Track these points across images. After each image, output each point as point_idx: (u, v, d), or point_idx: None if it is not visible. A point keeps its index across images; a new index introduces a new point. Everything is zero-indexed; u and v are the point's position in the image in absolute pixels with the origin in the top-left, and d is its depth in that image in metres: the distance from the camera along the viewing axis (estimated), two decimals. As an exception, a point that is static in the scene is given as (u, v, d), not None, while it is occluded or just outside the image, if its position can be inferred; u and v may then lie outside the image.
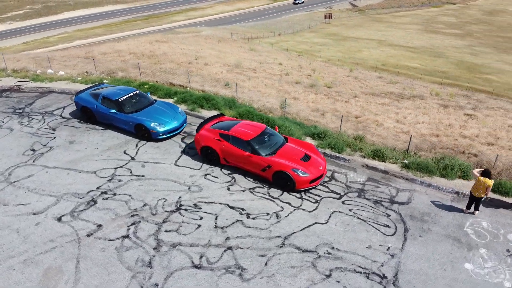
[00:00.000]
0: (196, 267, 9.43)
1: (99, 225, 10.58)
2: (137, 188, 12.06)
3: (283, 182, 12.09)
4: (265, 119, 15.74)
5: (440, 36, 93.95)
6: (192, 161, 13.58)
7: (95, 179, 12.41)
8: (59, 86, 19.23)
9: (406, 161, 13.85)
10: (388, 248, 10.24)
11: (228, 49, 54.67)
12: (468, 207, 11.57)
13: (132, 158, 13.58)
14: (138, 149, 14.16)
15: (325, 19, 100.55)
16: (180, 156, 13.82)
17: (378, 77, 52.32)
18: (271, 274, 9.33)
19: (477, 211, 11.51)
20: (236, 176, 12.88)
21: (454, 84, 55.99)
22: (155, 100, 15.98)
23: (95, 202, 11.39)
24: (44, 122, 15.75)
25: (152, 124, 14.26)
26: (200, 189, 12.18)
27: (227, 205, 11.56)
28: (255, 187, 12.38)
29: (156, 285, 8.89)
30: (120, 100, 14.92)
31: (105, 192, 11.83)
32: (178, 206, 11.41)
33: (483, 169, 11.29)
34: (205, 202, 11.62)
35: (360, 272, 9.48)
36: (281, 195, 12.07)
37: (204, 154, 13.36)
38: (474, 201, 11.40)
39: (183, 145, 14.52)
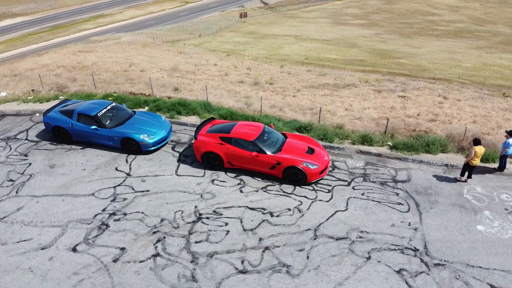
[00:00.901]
0: (242, 272, 9.21)
1: (122, 248, 9.78)
2: (147, 204, 11.34)
3: (294, 176, 12.25)
4: (250, 118, 15.73)
5: (349, 28, 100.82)
6: (193, 168, 13.11)
7: (96, 201, 11.40)
8: (11, 108, 17.13)
9: (390, 143, 14.87)
10: (409, 223, 10.96)
11: (157, 54, 53.11)
12: (462, 174, 12.80)
13: (128, 174, 12.70)
14: (130, 164, 13.27)
15: (241, 18, 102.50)
16: (178, 166, 13.25)
17: (308, 70, 54.53)
18: (317, 266, 9.45)
19: (469, 179, 12.79)
20: (244, 177, 12.73)
21: (375, 71, 60.50)
22: (134, 111, 15.10)
23: (107, 226, 10.49)
24: (11, 149, 13.96)
25: (141, 136, 13.46)
26: (213, 195, 11.83)
27: (247, 207, 11.40)
28: (267, 186, 12.37)
29: (211, 297, 8.53)
30: (98, 115, 13.84)
31: (114, 213, 10.93)
32: (198, 215, 10.97)
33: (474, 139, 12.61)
34: (223, 208, 11.33)
35: (395, 249, 10.03)
36: (294, 190, 12.21)
37: (205, 160, 12.98)
38: (469, 169, 12.66)
39: (176, 154, 13.93)
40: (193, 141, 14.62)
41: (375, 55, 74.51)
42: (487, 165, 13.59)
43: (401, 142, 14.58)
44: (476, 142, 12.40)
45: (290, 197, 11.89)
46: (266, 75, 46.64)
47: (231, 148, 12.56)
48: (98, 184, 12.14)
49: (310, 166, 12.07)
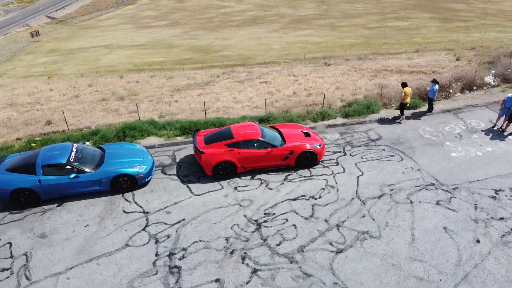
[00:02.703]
0: (339, 251, 9.61)
1: (217, 280, 8.84)
2: (197, 232, 10.26)
3: (307, 160, 12.92)
4: (218, 123, 15.40)
5: (156, 30, 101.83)
6: (205, 185, 12.27)
7: (139, 250, 9.68)
8: None
9: (339, 114, 16.93)
10: (411, 167, 13.13)
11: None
12: (402, 114, 15.93)
13: (145, 212, 11.05)
14: (136, 202, 11.50)
15: (33, 38, 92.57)
16: (187, 187, 12.17)
17: (151, 76, 53.14)
18: (385, 223, 10.58)
19: (403, 115, 15.98)
20: (259, 176, 12.68)
21: (211, 66, 63.08)
22: (101, 147, 12.91)
23: (178, 267, 9.16)
24: (-39, 237, 10.15)
25: (135, 169, 11.77)
26: (250, 201, 11.50)
27: (288, 199, 11.58)
28: (286, 176, 12.68)
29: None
30: (71, 160, 11.40)
31: (172, 253, 9.58)
32: (255, 223, 10.61)
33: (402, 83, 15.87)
34: (270, 208, 11.21)
35: (421, 189, 12.00)
36: (311, 172, 12.91)
37: (215, 171, 12.34)
38: (401, 107, 15.85)
39: (174, 177, 12.69)
40: (174, 162, 13.55)
41: (197, 51, 77.40)
42: (419, 109, 17.05)
43: (350, 110, 16.79)
44: (404, 85, 15.58)
45: (313, 179, 12.56)
46: (119, 88, 43.72)
47: (243, 151, 12.32)
48: (122, 234, 10.25)
49: (317, 147, 12.98)
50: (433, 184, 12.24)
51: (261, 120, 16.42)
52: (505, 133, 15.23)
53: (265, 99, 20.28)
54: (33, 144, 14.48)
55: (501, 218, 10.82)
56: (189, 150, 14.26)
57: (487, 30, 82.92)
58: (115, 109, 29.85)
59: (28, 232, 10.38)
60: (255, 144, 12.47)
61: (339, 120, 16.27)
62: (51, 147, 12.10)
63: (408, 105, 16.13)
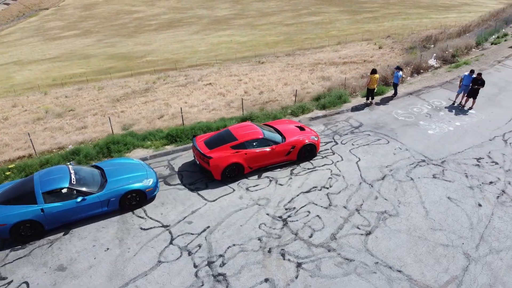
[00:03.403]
0: (368, 233, 10.12)
1: (266, 280, 8.80)
2: (227, 237, 10.07)
3: (307, 153, 13.27)
4: (205, 128, 15.08)
5: (67, 40, 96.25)
6: (216, 190, 12.02)
7: (174, 265, 9.23)
8: None
9: (315, 108, 17.56)
10: (400, 148, 14.13)
11: None
12: (367, 98, 17.17)
13: (165, 226, 10.53)
14: (151, 217, 10.90)
15: None
16: (199, 194, 11.83)
17: (79, 89, 49.98)
18: (398, 202, 11.34)
19: (373, 100, 17.14)
20: (266, 174, 12.75)
21: (139, 73, 60.70)
22: (96, 165, 11.99)
23: (223, 274, 8.92)
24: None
25: (143, 183, 11.17)
26: (266, 199, 11.54)
27: (302, 192, 11.83)
28: (291, 171, 12.90)
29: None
30: (74, 182, 10.48)
31: (212, 262, 9.30)
32: (280, 219, 10.71)
33: (372, 69, 17.03)
34: (288, 203, 11.37)
35: (416, 166, 13.00)
36: (312, 165, 13.27)
37: (223, 175, 12.16)
38: (370, 93, 16.91)
39: (181, 186, 12.22)
40: (174, 171, 13.09)
41: (119, 59, 74.37)
42: (386, 95, 18.28)
43: (325, 102, 17.50)
44: (373, 71, 16.69)
45: (317, 170, 12.95)
46: (50, 105, 40.54)
47: (249, 151, 12.30)
48: (149, 251, 9.70)
49: (315, 139, 13.40)
50: (423, 161, 13.33)
51: (244, 120, 16.45)
52: (465, 108, 17.03)
53: (242, 99, 20.54)
54: (7, 173, 12.99)
55: (491, 182, 12.15)
56: (184, 158, 13.84)
57: (394, 19, 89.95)
58: (59, 127, 27.74)
59: (43, 267, 9.39)
60: (259, 143, 12.53)
61: (320, 112, 16.89)
62: (45, 172, 11.01)
63: (375, 90, 17.28)
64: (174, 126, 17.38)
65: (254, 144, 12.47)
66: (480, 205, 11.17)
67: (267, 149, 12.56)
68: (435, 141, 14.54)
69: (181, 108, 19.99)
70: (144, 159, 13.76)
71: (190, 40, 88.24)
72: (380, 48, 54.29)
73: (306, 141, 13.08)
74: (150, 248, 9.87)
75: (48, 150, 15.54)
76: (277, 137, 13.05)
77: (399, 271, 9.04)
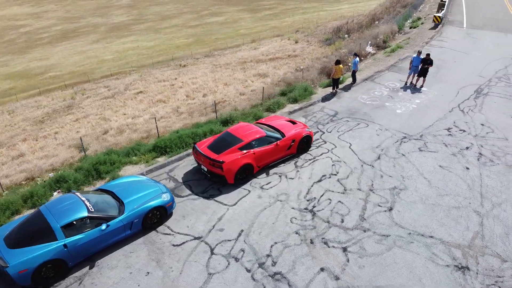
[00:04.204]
0: (390, 209, 10.93)
1: (321, 269, 9.07)
2: (265, 236, 10.05)
3: (305, 145, 13.70)
4: (185, 136, 14.65)
5: None
6: (232, 193, 11.83)
7: (227, 274, 8.95)
8: None
9: (287, 102, 18.08)
10: (380, 129, 15.29)
11: None
12: (333, 88, 18.26)
13: (198, 238, 10.13)
14: (178, 232, 10.35)
15: None
16: (216, 201, 11.53)
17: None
18: (402, 176, 12.37)
19: (337, 89, 18.28)
20: (273, 171, 12.90)
21: (47, 90, 55.76)
22: (101, 189, 10.97)
23: (280, 273, 8.99)
24: None
25: (162, 198, 10.58)
26: (285, 194, 11.71)
27: (314, 183, 12.25)
28: (295, 164, 13.23)
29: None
30: (92, 209, 9.53)
31: (262, 263, 9.25)
32: (308, 210, 10.99)
33: (336, 60, 18.06)
34: (307, 194, 11.70)
35: (403, 142, 14.21)
36: (311, 155, 13.73)
37: (236, 178, 12.02)
38: (335, 82, 18.12)
39: (194, 196, 11.77)
40: (179, 182, 12.58)
41: (17, 79, 67.72)
42: (346, 84, 19.47)
43: (296, 95, 18.09)
44: (337, 62, 17.79)
45: (318, 159, 13.46)
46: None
47: (256, 151, 12.32)
48: (194, 267, 9.27)
49: (310, 130, 13.89)
50: (405, 137, 14.63)
51: (226, 122, 16.30)
52: (418, 87, 18.94)
53: (214, 101, 20.04)
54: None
55: (467, 148, 13.83)
56: (183, 168, 13.33)
57: (294, 14, 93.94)
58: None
59: (87, 307, 8.51)
60: (264, 141, 12.63)
61: (296, 106, 17.44)
62: (52, 203, 9.85)
63: (340, 79, 18.37)
64: (139, 138, 16.67)
65: (259, 142, 12.55)
66: (467, 168, 12.69)
67: (272, 146, 12.72)
68: (407, 119, 16.01)
69: (155, 118, 19.08)
70: (141, 174, 12.98)
71: (92, 50, 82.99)
72: (296, 42, 56.50)
73: (304, 133, 13.52)
74: (193, 262, 9.48)
75: (15, 183, 13.81)
76: (277, 133, 13.28)
77: (431, 236, 9.97)
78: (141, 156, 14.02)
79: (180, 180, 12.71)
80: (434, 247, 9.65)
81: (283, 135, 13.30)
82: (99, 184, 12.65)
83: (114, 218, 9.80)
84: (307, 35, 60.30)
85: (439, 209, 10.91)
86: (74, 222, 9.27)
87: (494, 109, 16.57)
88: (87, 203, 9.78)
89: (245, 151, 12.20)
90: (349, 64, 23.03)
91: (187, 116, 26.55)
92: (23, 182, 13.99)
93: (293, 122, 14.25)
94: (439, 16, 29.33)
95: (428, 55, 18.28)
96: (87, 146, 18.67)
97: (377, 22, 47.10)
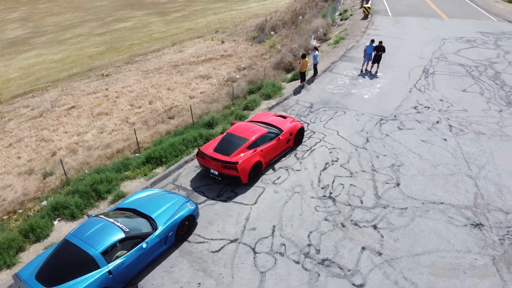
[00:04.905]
0: (397, 184, 11.92)
1: (363, 247, 9.66)
2: (298, 228, 10.33)
3: (299, 138, 14.16)
4: (175, 144, 14.26)
5: None
6: (248, 193, 11.84)
7: (280, 269, 9.15)
8: None
9: (261, 99, 18.41)
10: (357, 114, 16.35)
11: None
12: (301, 81, 19.10)
13: (234, 240, 10.04)
14: (212, 239, 10.13)
15: None
16: (236, 202, 11.48)
17: None
18: (395, 153, 13.46)
19: (304, 82, 19.18)
20: (276, 166, 13.17)
21: None
22: (119, 209, 10.25)
23: (327, 259, 9.37)
24: None
25: (189, 207, 10.29)
26: (299, 186, 12.09)
27: (321, 171, 12.80)
28: (296, 157, 13.65)
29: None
30: (127, 230, 8.91)
31: (307, 253, 9.55)
32: (327, 197, 11.50)
33: (302, 54, 18.84)
34: (319, 182, 12.20)
35: (382, 123, 15.40)
36: (307, 146, 14.25)
37: (249, 177, 12.10)
38: (303, 76, 18.97)
39: (211, 201, 11.54)
40: (191, 190, 12.27)
41: None
42: (307, 77, 20.36)
43: (268, 91, 18.46)
44: (303, 56, 18.63)
45: (316, 149, 14.05)
46: None
47: (263, 148, 12.50)
48: (244, 268, 9.20)
49: (302, 123, 14.39)
50: (382, 119, 15.87)
51: (209, 124, 16.11)
52: (373, 73, 20.49)
53: (190, 108, 19.43)
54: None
55: (437, 122, 15.46)
56: (187, 175, 12.97)
57: (205, 15, 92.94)
58: None
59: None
60: (267, 138, 12.84)
61: (273, 101, 17.81)
62: (80, 231, 9.01)
63: (306, 72, 19.21)
64: (109, 153, 15.95)
65: (263, 139, 12.74)
66: (445, 139, 14.25)
67: (274, 141, 12.99)
68: (376, 103, 17.33)
69: (134, 130, 18.06)
70: (146, 188, 12.40)
71: (-12, 70, 74.83)
72: (222, 42, 56.54)
73: (298, 126, 14.00)
74: (240, 265, 9.46)
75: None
76: (275, 129, 13.57)
77: (441, 203, 11.12)
78: (136, 170, 13.35)
79: (190, 188, 12.41)
80: (447, 211, 10.79)
81: (280, 130, 13.64)
82: (103, 205, 11.86)
83: (150, 234, 9.37)
84: (229, 34, 60.65)
85: (438, 178, 12.16)
86: (113, 246, 8.71)
87: (445, 86, 18.66)
88: (119, 224, 9.21)
89: (253, 150, 12.33)
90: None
91: (142, 126, 25.59)
92: (4, 217, 12.53)
93: (283, 117, 14.65)
94: (368, 7, 31.79)
95: (380, 42, 19.87)
96: (51, 170, 17.23)
97: (301, 17, 49.24)
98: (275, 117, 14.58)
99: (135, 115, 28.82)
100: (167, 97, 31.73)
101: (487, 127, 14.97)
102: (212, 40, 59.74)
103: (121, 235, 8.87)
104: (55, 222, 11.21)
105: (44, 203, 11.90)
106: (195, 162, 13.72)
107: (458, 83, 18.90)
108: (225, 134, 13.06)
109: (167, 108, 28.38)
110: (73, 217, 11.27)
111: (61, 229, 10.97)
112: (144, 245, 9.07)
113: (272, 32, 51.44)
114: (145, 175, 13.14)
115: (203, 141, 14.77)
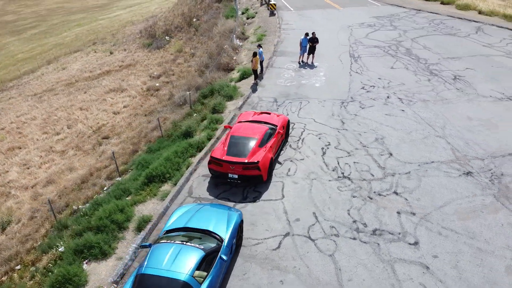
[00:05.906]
0: (407, 162, 13.56)
1: (398, 212, 10.94)
2: (335, 209, 11.14)
3: (288, 130, 14.85)
4: (171, 158, 13.62)
5: None
6: (270, 190, 12.16)
7: (357, 242, 9.81)
8: None
9: (224, 101, 18.47)
10: (323, 100, 17.67)
11: None
12: (255, 78, 20.05)
13: (287, 234, 10.31)
14: (265, 239, 10.21)
15: None
16: (265, 200, 11.65)
17: None
18: (378, 130, 15.13)
19: (257, 79, 20.06)
20: (281, 159, 13.67)
21: None
22: (168, 231, 9.54)
23: (379, 229, 10.38)
24: None
25: (235, 213, 10.18)
26: (313, 173, 12.85)
27: (321, 156, 13.76)
28: (291, 147, 14.34)
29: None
30: (201, 247, 8.52)
31: (365, 226, 10.41)
32: (342, 177, 12.48)
33: (252, 53, 19.51)
34: (327, 166, 13.12)
35: (344, 106, 17.00)
36: (298, 138, 14.97)
37: (269, 173, 12.40)
38: (255, 73, 19.89)
39: (242, 205, 11.49)
40: (214, 197, 12.01)
41: None
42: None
43: (225, 94, 18.58)
44: (254, 54, 19.37)
45: (305, 138, 14.94)
46: None
47: (271, 144, 12.86)
48: (312, 256, 9.62)
49: (287, 116, 15.09)
50: (343, 102, 17.53)
51: (187, 134, 15.64)
52: (310, 63, 22.11)
53: (159, 122, 18.22)
54: None
55: (388, 97, 17.69)
56: (199, 186, 12.57)
57: (69, 28, 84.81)
58: None
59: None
60: (269, 134, 13.21)
61: (239, 101, 17.96)
62: (153, 262, 8.26)
63: (258, 70, 19.89)
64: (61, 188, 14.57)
65: (268, 136, 13.10)
66: (403, 110, 16.48)
67: (275, 136, 13.44)
68: (329, 89, 18.95)
69: (113, 152, 16.38)
70: (166, 208, 11.70)
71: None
72: (111, 53, 53.32)
73: (286, 119, 14.67)
74: (307, 254, 9.87)
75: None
76: (271, 125, 13.99)
77: (432, 162, 13.10)
78: (141, 193, 12.45)
79: (210, 197, 12.17)
80: (440, 167, 12.79)
81: (275, 125, 14.14)
82: (129, 235, 10.89)
83: (220, 246, 9.17)
84: (114, 44, 57.26)
85: (417, 142, 14.19)
86: (200, 267, 8.36)
87: (375, 66, 21.26)
88: (191, 244, 8.82)
89: (264, 147, 12.65)
90: (234, 58, 24.59)
91: (78, 152, 23.28)
92: (3, 278, 10.59)
93: (268, 113, 15.15)
94: (274, 4, 33.54)
95: (313, 33, 21.54)
96: (8, 218, 14.92)
97: (195, 20, 49.16)
98: (263, 114, 14.99)
99: (58, 142, 25.79)
100: (86, 117, 29.03)
101: (427, 94, 17.75)
102: (95, 52, 55.67)
103: (201, 254, 8.53)
104: (84, 266, 9.98)
105: (61, 249, 10.39)
106: (201, 171, 13.40)
107: (383, 62, 21.72)
108: (229, 137, 13.05)
109: (95, 128, 26.06)
110: (104, 255, 10.16)
111: (96, 271, 9.83)
112: (224, 257, 8.86)
113: (167, 37, 50.28)
114: (155, 195, 12.38)
115: (194, 150, 14.44)
